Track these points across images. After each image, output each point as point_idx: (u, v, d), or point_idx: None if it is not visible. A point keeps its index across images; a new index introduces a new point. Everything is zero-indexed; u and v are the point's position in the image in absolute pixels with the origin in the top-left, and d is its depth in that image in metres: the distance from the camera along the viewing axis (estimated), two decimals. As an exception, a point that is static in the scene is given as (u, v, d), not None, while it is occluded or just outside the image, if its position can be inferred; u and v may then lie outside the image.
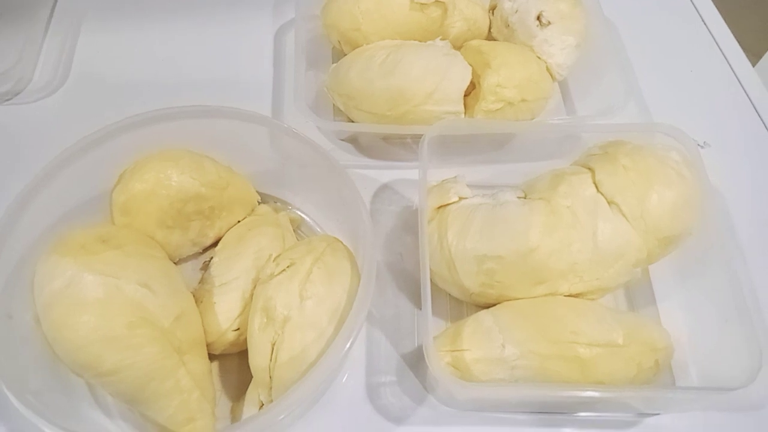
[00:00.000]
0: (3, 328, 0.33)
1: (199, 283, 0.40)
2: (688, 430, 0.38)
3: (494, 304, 0.38)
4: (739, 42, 0.61)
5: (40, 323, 0.33)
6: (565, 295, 0.37)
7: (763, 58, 0.87)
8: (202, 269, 0.42)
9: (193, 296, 0.38)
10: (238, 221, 0.43)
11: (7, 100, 0.52)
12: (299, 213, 0.45)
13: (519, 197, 0.39)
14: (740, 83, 0.58)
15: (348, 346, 0.31)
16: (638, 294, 0.43)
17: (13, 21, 0.58)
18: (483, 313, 0.37)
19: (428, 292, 0.34)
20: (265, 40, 0.58)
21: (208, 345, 0.36)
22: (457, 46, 0.49)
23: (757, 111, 0.56)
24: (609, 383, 0.34)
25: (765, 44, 0.82)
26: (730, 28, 0.62)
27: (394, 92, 0.44)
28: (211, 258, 0.40)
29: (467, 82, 0.44)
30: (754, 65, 0.59)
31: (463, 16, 0.50)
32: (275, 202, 0.46)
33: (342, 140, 0.51)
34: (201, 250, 0.43)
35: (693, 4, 0.65)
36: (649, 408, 0.38)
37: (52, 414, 0.30)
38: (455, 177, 0.42)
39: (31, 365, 0.34)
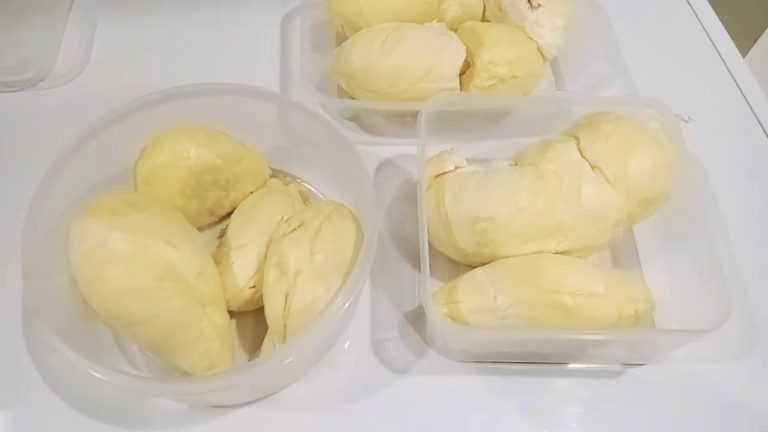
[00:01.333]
0: (45, 285, 0.36)
1: (217, 247, 0.43)
2: (671, 379, 0.41)
3: (487, 263, 0.41)
4: (726, 26, 0.64)
5: (73, 283, 0.37)
6: (552, 253, 0.40)
7: (754, 47, 0.89)
8: (219, 237, 0.45)
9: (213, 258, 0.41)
10: (251, 192, 0.46)
11: (31, 86, 0.56)
12: (307, 185, 0.49)
13: (510, 164, 0.42)
14: (724, 62, 0.61)
15: (353, 296, 0.35)
16: (624, 257, 0.47)
17: (35, 13, 0.61)
18: (477, 270, 0.40)
19: (426, 249, 0.37)
20: (272, 27, 0.61)
21: (226, 302, 0.40)
22: (453, 29, 0.52)
23: (739, 88, 0.59)
24: (593, 328, 0.37)
25: (752, 29, 0.85)
26: (716, 12, 0.65)
27: (393, 71, 0.47)
28: (227, 225, 0.43)
29: (461, 60, 0.48)
30: (744, 53, 0.62)
31: (458, 0, 0.53)
32: (285, 177, 0.49)
33: (346, 119, 0.54)
34: (217, 219, 0.46)
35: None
36: (631, 356, 0.41)
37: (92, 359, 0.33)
38: (452, 149, 0.45)
39: (67, 320, 0.38)
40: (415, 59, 0.47)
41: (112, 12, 0.62)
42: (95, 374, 0.32)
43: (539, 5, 0.52)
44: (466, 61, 0.49)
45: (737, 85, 0.59)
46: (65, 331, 0.36)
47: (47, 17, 0.59)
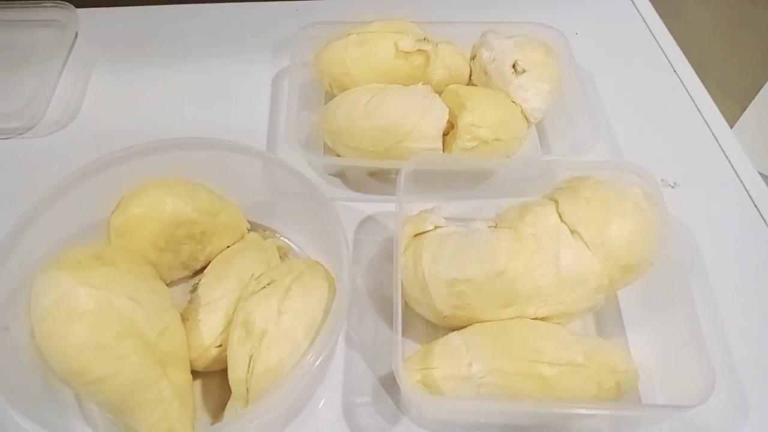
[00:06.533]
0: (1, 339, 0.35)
1: (188, 303, 0.42)
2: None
3: (466, 327, 0.40)
4: (710, 93, 0.65)
5: (33, 337, 0.36)
6: (531, 319, 0.39)
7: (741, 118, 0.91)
8: (191, 291, 0.44)
9: (181, 315, 0.40)
10: (228, 246, 0.45)
11: (20, 134, 0.57)
12: (287, 241, 0.48)
13: (490, 226, 0.42)
14: (710, 129, 0.61)
15: (321, 357, 0.33)
16: (608, 323, 0.45)
17: (31, 63, 0.63)
18: (453, 334, 0.39)
19: (399, 312, 0.36)
20: (263, 86, 0.62)
21: (191, 361, 0.38)
22: (439, 91, 0.53)
23: (723, 152, 0.59)
24: (569, 400, 0.35)
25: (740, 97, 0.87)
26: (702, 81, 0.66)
27: (376, 130, 0.48)
28: (200, 280, 0.43)
29: (444, 121, 0.48)
30: (732, 123, 0.63)
31: (444, 64, 0.54)
32: (264, 230, 0.49)
33: (331, 175, 0.54)
34: (191, 274, 0.45)
35: (666, 57, 0.69)
36: (614, 429, 0.39)
37: (43, 425, 0.32)
38: (432, 208, 0.45)
39: (24, 377, 0.36)
40: (398, 119, 0.47)
41: (106, 67, 0.64)
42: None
43: (524, 70, 0.53)
44: (450, 122, 0.49)
45: (723, 152, 0.59)
46: (19, 388, 0.34)
47: (43, 67, 0.61)
